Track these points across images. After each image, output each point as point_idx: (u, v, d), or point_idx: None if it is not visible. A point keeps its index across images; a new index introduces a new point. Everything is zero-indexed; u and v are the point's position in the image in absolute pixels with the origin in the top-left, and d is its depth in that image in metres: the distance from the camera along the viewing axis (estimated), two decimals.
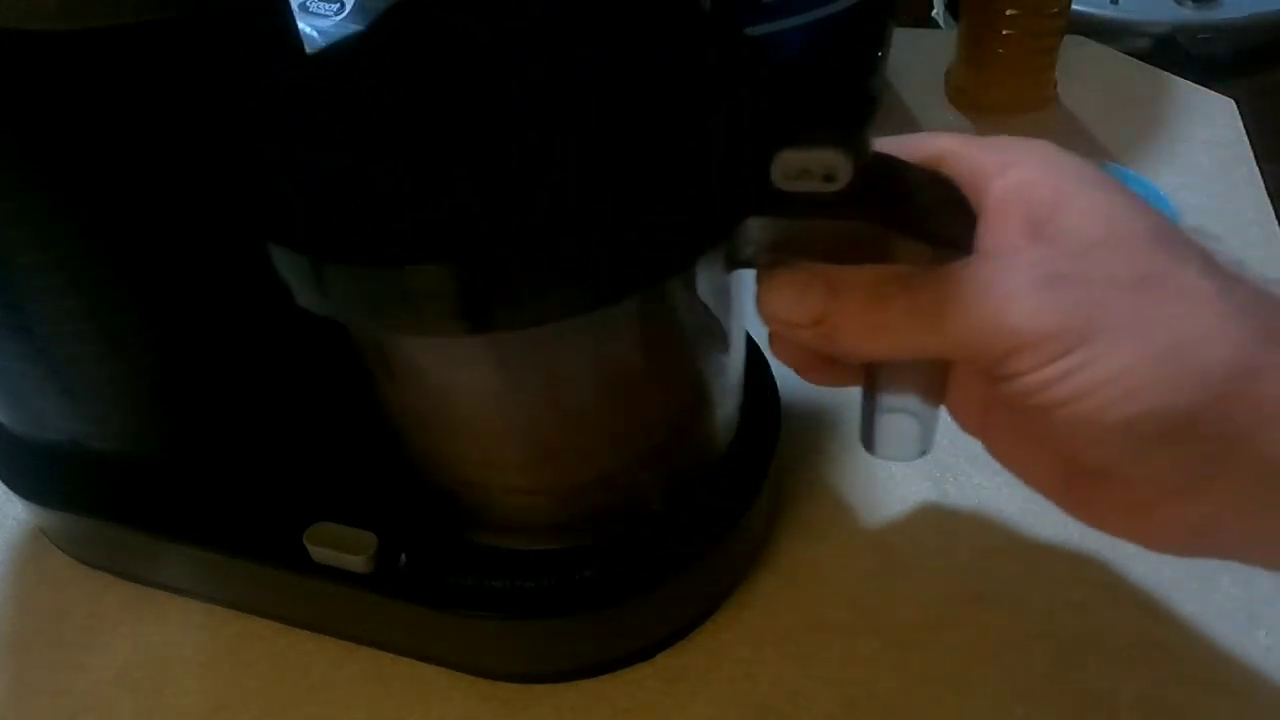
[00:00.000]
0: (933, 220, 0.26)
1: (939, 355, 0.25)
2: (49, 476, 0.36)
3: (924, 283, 0.24)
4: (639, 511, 0.33)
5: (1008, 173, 0.25)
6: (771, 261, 0.27)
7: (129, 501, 0.35)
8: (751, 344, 0.40)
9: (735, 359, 0.34)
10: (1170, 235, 0.23)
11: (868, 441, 0.32)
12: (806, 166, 0.24)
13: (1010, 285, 0.23)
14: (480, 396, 0.30)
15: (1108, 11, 0.77)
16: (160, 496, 0.35)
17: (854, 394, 0.43)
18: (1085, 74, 0.60)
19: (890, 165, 0.26)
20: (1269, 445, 0.22)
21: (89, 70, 0.26)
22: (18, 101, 0.26)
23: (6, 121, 0.27)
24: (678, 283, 0.29)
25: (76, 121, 0.27)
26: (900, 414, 0.30)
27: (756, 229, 0.26)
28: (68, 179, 0.28)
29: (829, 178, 0.24)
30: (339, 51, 0.30)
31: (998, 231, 0.25)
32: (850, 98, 0.27)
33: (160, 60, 0.27)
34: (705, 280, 0.30)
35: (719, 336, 0.33)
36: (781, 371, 0.39)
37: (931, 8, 0.63)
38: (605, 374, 0.30)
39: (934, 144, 0.27)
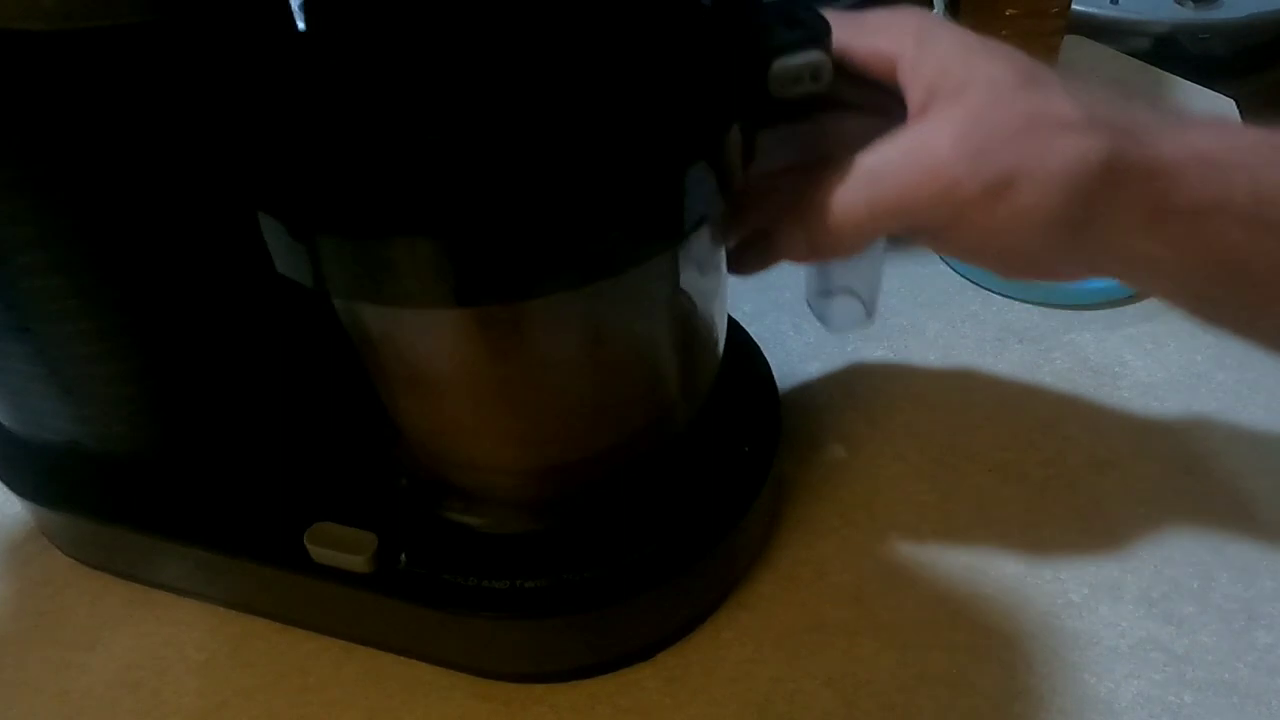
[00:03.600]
0: (884, 95, 0.30)
1: (899, 223, 0.30)
2: (49, 476, 0.36)
3: (868, 158, 0.29)
4: (622, 496, 0.33)
5: (903, 60, 0.29)
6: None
7: (129, 501, 0.35)
8: (752, 345, 0.40)
9: (717, 345, 0.34)
10: (1036, 77, 0.29)
11: (822, 319, 0.38)
12: (798, 73, 0.28)
13: (935, 142, 0.28)
14: (464, 372, 0.30)
15: (1108, 11, 0.76)
16: (160, 497, 0.35)
17: (854, 395, 0.43)
18: (1085, 74, 0.60)
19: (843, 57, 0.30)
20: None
21: (87, 70, 0.26)
22: (16, 101, 0.26)
23: (5, 121, 0.27)
24: (661, 264, 0.29)
25: (75, 121, 0.27)
26: (846, 295, 0.36)
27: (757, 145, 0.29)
28: (66, 179, 0.28)
29: (816, 77, 0.28)
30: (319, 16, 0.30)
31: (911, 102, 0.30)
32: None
33: (159, 60, 0.27)
34: (690, 263, 0.30)
35: (704, 322, 0.33)
36: (781, 371, 0.39)
37: (931, 8, 0.63)
38: (588, 353, 0.30)
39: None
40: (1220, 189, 0.28)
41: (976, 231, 0.29)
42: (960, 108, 0.28)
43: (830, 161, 0.29)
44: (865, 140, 0.29)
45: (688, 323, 0.32)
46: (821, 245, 0.30)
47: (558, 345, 0.30)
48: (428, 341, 0.30)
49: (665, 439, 0.34)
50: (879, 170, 0.29)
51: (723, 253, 0.33)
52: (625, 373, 0.32)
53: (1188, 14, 0.76)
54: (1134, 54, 0.63)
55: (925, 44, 0.29)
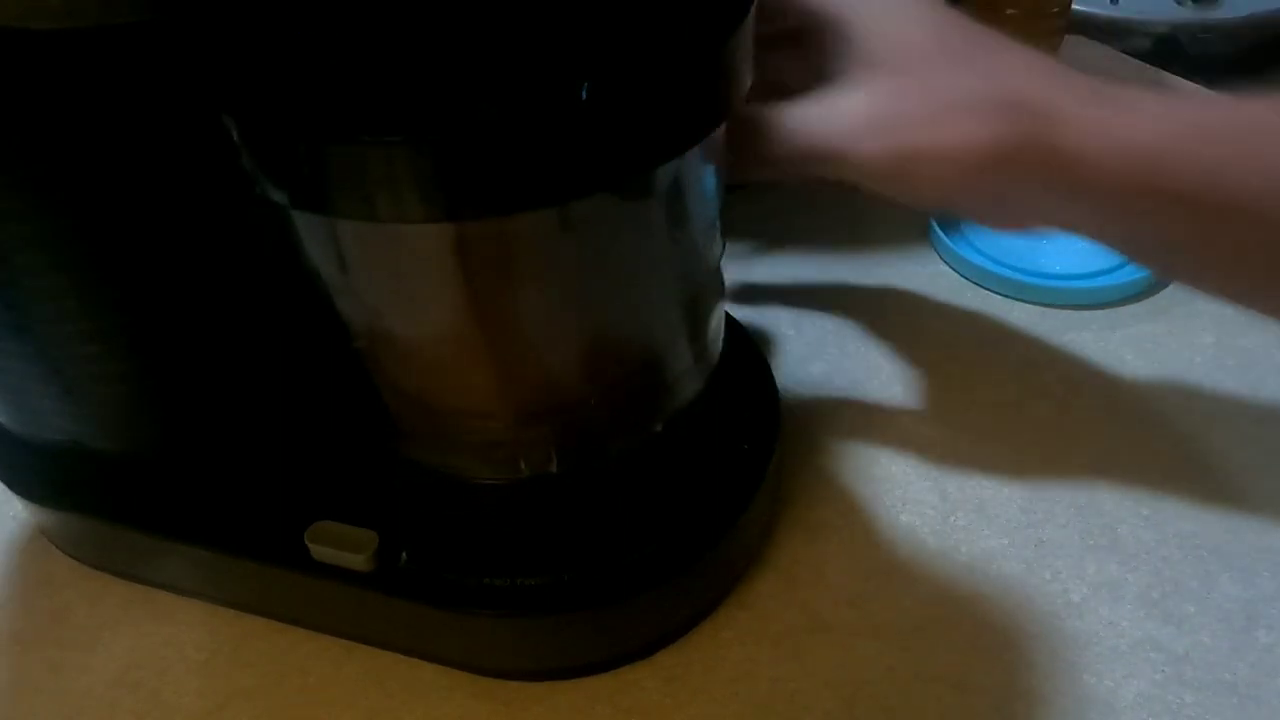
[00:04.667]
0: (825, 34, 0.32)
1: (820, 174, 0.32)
2: (49, 476, 0.36)
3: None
4: (603, 446, 0.33)
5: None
6: None
7: (129, 501, 0.35)
8: (752, 345, 0.40)
9: (710, 299, 0.34)
10: (958, 50, 0.31)
11: None
12: None
13: (850, 111, 0.31)
14: (443, 310, 0.29)
15: (1108, 11, 0.77)
16: (160, 496, 0.35)
17: (853, 395, 0.43)
18: (1085, 74, 0.60)
19: None
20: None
21: (88, 69, 0.26)
22: (18, 100, 0.26)
23: (7, 120, 0.27)
24: (645, 194, 0.28)
25: (75, 121, 0.27)
26: None
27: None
28: (67, 178, 0.28)
29: None
30: None
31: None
32: None
33: (163, 59, 0.27)
34: (682, 194, 0.29)
35: (690, 266, 0.32)
36: (781, 371, 0.39)
37: None
38: (570, 288, 0.29)
39: None
40: (1140, 175, 0.30)
41: (896, 190, 0.32)
42: (878, 79, 0.31)
43: (761, 107, 0.31)
44: (801, 75, 0.32)
45: (677, 264, 0.31)
46: (746, 171, 0.33)
47: (547, 276, 0.29)
48: (415, 273, 0.29)
49: (658, 394, 0.33)
50: (798, 128, 0.31)
51: (715, 193, 0.32)
52: (609, 309, 0.31)
53: (1188, 14, 0.76)
54: (1134, 54, 0.63)
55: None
